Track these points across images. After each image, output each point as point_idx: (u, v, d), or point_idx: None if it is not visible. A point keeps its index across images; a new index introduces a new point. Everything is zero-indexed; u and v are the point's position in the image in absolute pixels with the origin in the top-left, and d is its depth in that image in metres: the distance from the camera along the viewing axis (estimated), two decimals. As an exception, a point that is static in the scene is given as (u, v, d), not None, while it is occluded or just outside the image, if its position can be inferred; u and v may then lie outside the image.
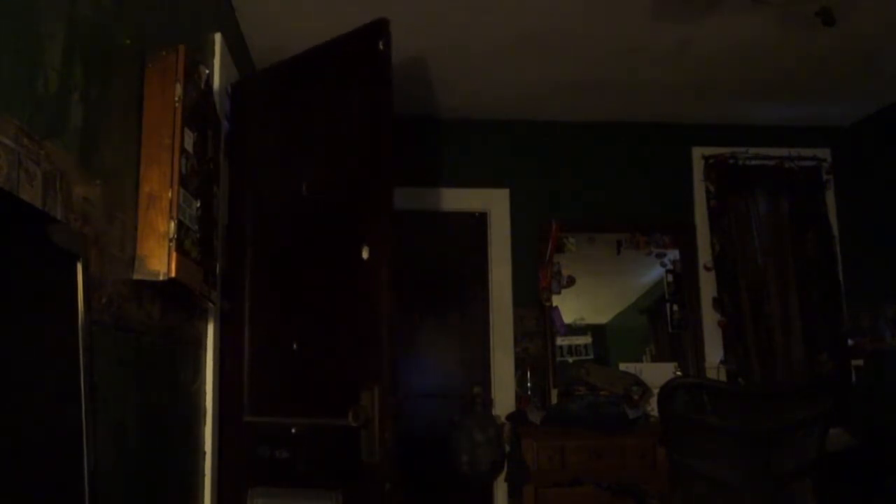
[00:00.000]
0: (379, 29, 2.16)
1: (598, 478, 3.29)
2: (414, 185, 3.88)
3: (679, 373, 3.84)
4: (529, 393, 3.78)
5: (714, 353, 3.95)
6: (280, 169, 2.45)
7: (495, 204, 4.02)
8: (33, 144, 1.15)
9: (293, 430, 2.21)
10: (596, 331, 4.08)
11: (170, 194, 1.66)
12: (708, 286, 4.01)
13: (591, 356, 3.97)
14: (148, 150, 1.67)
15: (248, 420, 2.34)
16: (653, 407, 3.37)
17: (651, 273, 4.15)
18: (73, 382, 1.21)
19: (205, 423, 2.28)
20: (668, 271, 4.10)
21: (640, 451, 3.35)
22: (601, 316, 4.21)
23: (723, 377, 3.86)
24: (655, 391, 3.07)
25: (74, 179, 1.30)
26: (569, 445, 3.34)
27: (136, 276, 1.60)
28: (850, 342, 3.93)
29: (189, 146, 1.75)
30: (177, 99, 1.70)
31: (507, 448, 3.54)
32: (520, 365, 3.86)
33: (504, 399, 3.81)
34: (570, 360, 3.94)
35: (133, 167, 1.64)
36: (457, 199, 4.00)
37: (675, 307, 4.07)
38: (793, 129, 4.19)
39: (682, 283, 4.06)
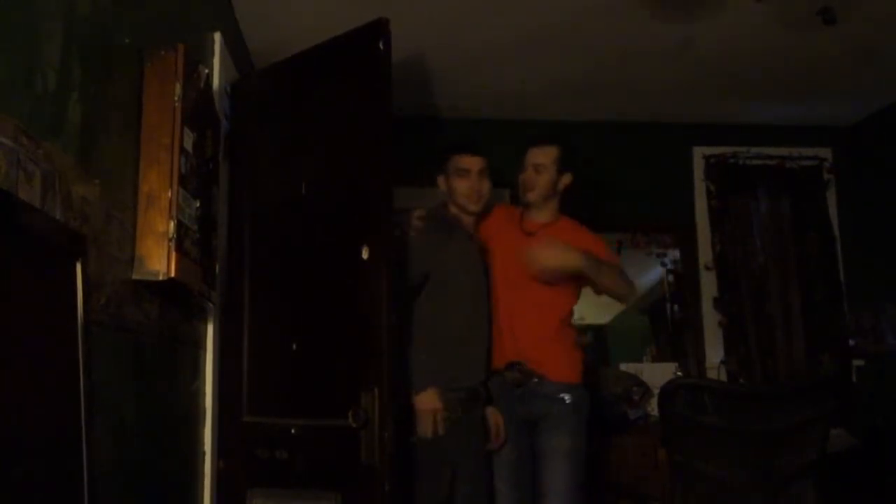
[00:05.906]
0: (379, 28, 2.16)
1: (598, 479, 3.28)
2: (414, 185, 3.86)
3: (680, 373, 3.82)
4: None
5: (715, 353, 3.93)
6: (279, 168, 2.45)
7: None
8: (32, 144, 1.14)
9: (292, 431, 2.20)
10: (596, 331, 4.07)
11: (169, 194, 1.65)
12: (709, 286, 3.99)
13: (592, 356, 3.96)
14: (147, 149, 1.67)
15: (247, 420, 2.33)
16: (653, 407, 3.35)
17: (651, 273, 4.14)
18: (72, 383, 1.21)
19: (204, 424, 2.27)
20: (668, 271, 4.09)
21: (640, 451, 3.33)
22: (602, 316, 4.20)
23: (724, 377, 3.84)
24: (656, 391, 3.06)
25: (73, 179, 1.30)
26: (569, 446, 3.32)
27: (135, 276, 1.60)
28: (851, 342, 3.92)
29: (188, 146, 1.75)
30: (176, 98, 1.69)
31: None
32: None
33: (504, 399, 3.80)
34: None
35: (132, 167, 1.64)
36: (457, 199, 3.97)
37: (676, 307, 4.06)
38: (794, 128, 4.17)
39: (683, 282, 4.04)
